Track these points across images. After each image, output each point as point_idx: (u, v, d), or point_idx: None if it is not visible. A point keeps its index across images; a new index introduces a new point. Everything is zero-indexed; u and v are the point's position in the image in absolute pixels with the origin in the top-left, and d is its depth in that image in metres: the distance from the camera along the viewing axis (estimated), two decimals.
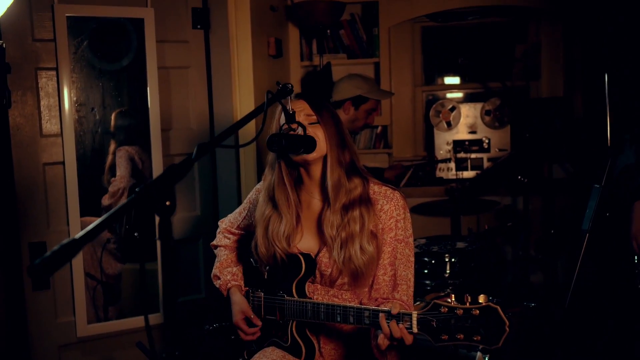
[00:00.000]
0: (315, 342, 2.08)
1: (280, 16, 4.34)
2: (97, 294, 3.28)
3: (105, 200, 3.25)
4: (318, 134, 2.02)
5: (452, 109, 4.60)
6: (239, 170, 3.54)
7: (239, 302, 2.21)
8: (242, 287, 2.29)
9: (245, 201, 2.36)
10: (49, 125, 3.07)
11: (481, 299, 1.65)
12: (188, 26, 3.42)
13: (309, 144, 1.97)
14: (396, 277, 2.06)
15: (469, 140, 4.59)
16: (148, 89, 3.23)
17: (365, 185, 2.08)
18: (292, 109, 1.96)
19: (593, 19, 4.20)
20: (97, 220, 1.22)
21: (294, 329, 2.08)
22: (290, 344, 2.08)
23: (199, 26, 3.44)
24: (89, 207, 3.16)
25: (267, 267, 2.18)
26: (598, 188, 2.63)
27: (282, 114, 1.98)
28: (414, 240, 3.30)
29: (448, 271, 3.28)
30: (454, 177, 4.44)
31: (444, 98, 4.87)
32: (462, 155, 4.54)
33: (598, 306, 3.17)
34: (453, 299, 1.71)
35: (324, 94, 3.72)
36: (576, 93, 4.59)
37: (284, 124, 1.99)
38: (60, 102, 3.06)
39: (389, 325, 1.79)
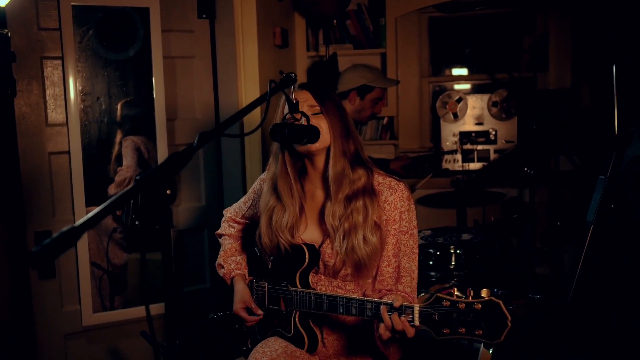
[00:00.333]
0: (318, 332, 2.08)
1: (287, 6, 4.32)
2: (103, 283, 3.29)
3: (112, 190, 3.26)
4: (321, 124, 2.01)
5: (459, 100, 4.58)
6: (244, 161, 3.54)
7: (240, 291, 2.21)
8: (246, 276, 2.28)
9: (249, 191, 2.36)
10: (55, 114, 3.07)
11: (484, 293, 1.64)
12: (193, 16, 3.42)
13: (312, 134, 1.96)
14: (400, 269, 2.06)
15: (476, 132, 4.56)
16: (153, 78, 3.23)
17: (370, 176, 2.07)
18: (295, 99, 1.95)
19: (601, 10, 4.16)
20: (97, 209, 1.22)
21: (297, 319, 2.08)
22: (293, 334, 2.09)
23: (204, 16, 3.43)
24: (95, 196, 3.17)
25: (271, 257, 2.17)
26: (603, 179, 2.61)
27: (286, 104, 1.98)
28: (419, 231, 3.31)
29: (453, 263, 3.27)
30: (460, 168, 4.42)
31: (451, 89, 4.85)
32: (468, 146, 4.52)
33: (603, 299, 3.15)
34: (456, 293, 1.70)
35: (330, 85, 3.70)
36: (584, 85, 4.55)
37: (287, 114, 1.99)
38: (66, 92, 3.06)
39: (390, 318, 1.79)
